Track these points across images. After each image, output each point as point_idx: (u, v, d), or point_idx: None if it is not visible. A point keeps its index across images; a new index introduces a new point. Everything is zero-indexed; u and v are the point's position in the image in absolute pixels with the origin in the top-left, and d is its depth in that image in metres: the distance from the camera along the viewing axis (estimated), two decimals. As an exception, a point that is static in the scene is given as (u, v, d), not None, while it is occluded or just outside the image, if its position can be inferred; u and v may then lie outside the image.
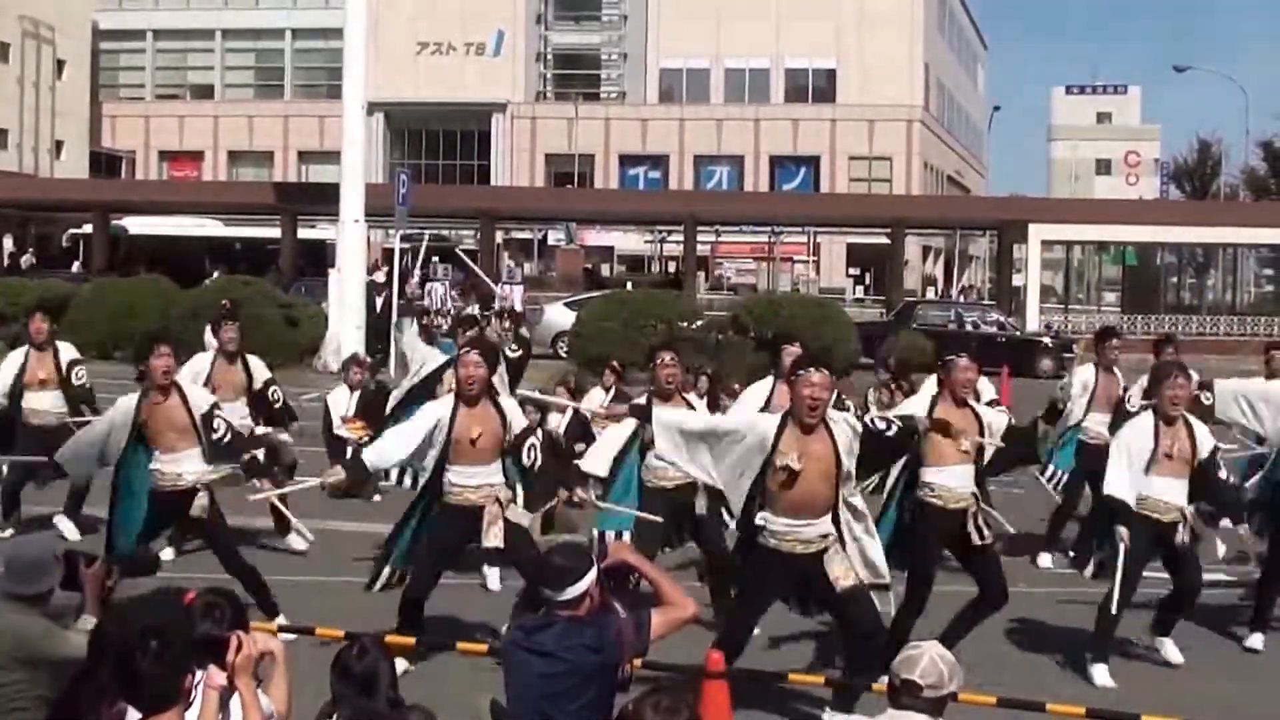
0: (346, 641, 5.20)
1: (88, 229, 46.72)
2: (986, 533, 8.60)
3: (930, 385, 9.42)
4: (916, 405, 8.77)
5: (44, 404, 11.71)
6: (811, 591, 7.65)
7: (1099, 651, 8.84)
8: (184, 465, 9.02)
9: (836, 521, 7.54)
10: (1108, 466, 9.01)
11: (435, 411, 8.51)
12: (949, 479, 8.56)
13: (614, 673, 5.18)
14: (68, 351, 11.89)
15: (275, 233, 44.55)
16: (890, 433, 7.86)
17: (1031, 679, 8.40)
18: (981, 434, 8.61)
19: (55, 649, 4.79)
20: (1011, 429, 8.96)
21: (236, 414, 10.57)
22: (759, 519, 7.53)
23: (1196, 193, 74.99)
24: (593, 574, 5.22)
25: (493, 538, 8.30)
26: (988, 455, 8.78)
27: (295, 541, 11.31)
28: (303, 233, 43.72)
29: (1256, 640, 9.55)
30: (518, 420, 8.53)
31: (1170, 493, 8.84)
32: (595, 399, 13.68)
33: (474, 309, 26.04)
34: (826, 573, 7.45)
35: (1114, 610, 8.72)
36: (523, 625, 5.35)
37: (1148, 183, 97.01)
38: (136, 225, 46.27)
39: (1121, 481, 8.86)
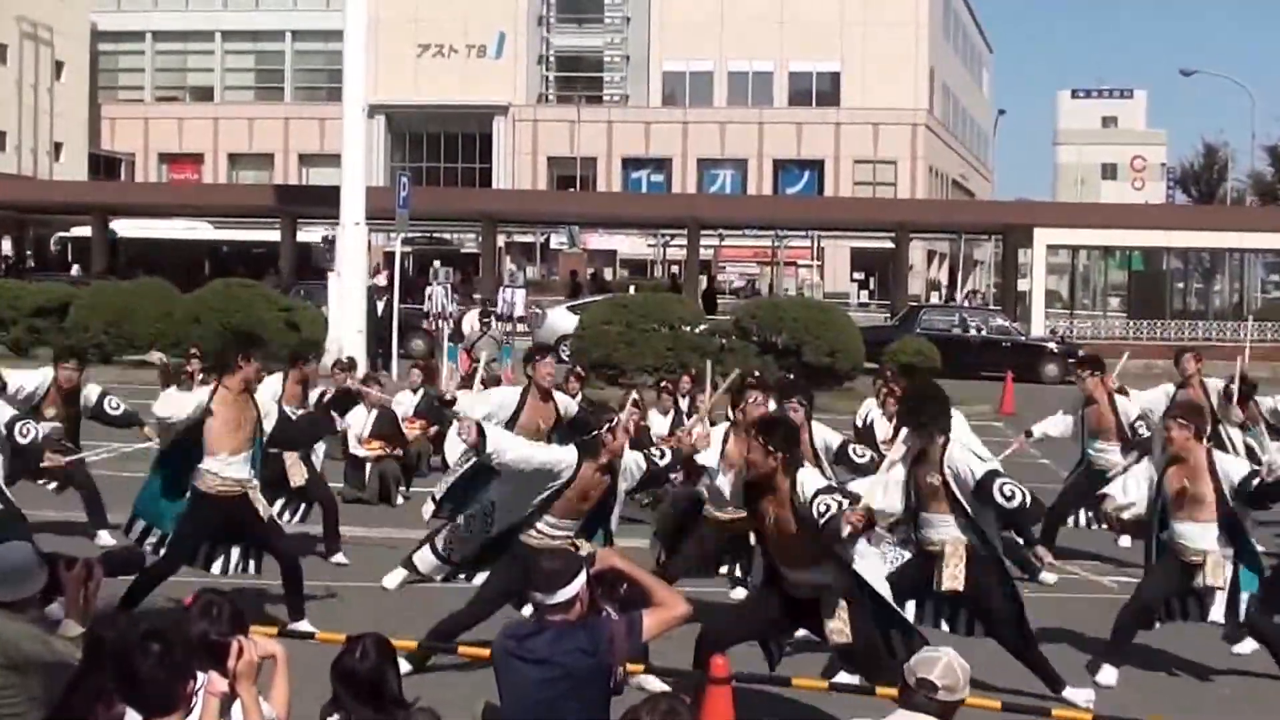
0: (346, 644, 5.11)
1: (76, 232, 46.72)
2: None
3: None
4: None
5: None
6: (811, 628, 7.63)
7: (1110, 656, 8.79)
8: (238, 471, 9.12)
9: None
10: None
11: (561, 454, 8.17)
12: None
13: (608, 675, 5.14)
14: (92, 390, 12.09)
15: (268, 235, 44.66)
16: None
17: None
18: None
19: (42, 654, 4.76)
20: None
21: None
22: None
23: (1203, 197, 75.00)
24: (582, 577, 5.19)
25: None
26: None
27: (338, 556, 11.61)
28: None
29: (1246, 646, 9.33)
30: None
31: (1189, 536, 8.63)
32: (655, 425, 13.49)
33: (473, 313, 26.01)
34: (823, 622, 7.38)
35: (1126, 623, 8.74)
36: (514, 633, 5.29)
37: (1154, 187, 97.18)
38: (125, 228, 46.28)
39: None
